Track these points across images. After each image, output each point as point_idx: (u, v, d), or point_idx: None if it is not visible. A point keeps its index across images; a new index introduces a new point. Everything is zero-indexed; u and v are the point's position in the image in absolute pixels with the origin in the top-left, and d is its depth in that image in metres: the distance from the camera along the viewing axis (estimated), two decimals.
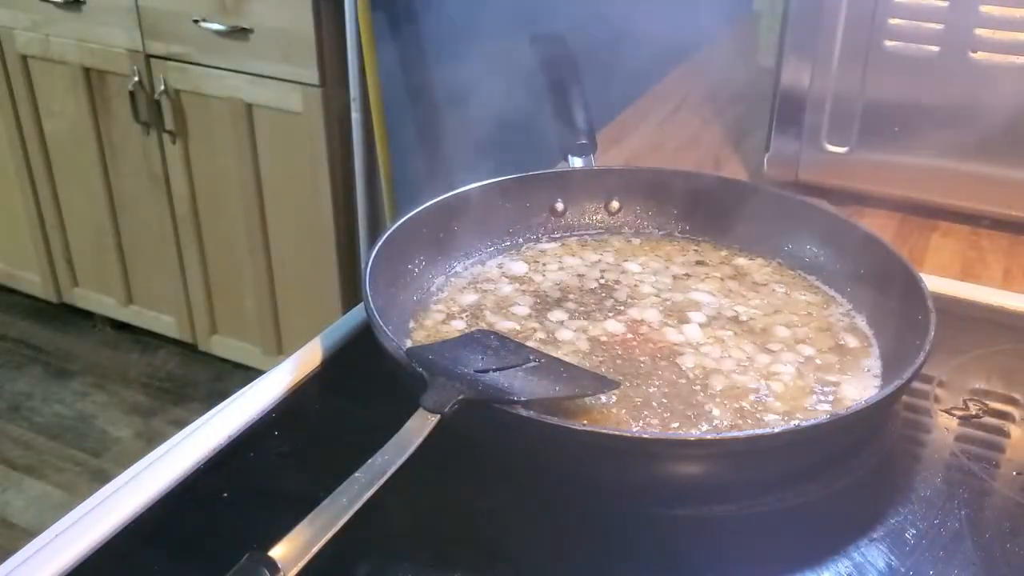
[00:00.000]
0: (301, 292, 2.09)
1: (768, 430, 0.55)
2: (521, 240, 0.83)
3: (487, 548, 0.56)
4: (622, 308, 0.74)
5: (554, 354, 0.66)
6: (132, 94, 2.01)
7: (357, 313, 0.74)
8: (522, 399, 0.55)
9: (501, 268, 0.79)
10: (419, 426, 0.52)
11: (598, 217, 0.86)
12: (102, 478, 2.01)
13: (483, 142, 1.04)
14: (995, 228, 0.94)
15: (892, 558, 0.55)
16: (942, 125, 0.90)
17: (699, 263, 0.81)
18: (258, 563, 0.44)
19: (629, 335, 0.71)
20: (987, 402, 0.69)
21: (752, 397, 0.64)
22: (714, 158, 1.09)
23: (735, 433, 0.58)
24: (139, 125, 2.05)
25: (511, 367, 0.60)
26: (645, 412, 0.62)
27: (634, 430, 0.60)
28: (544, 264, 0.80)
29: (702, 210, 0.84)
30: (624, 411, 0.62)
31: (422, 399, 0.53)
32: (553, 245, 0.83)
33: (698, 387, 0.65)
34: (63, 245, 2.38)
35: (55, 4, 2.02)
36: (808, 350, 0.70)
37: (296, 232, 2.01)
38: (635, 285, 0.77)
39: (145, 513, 0.57)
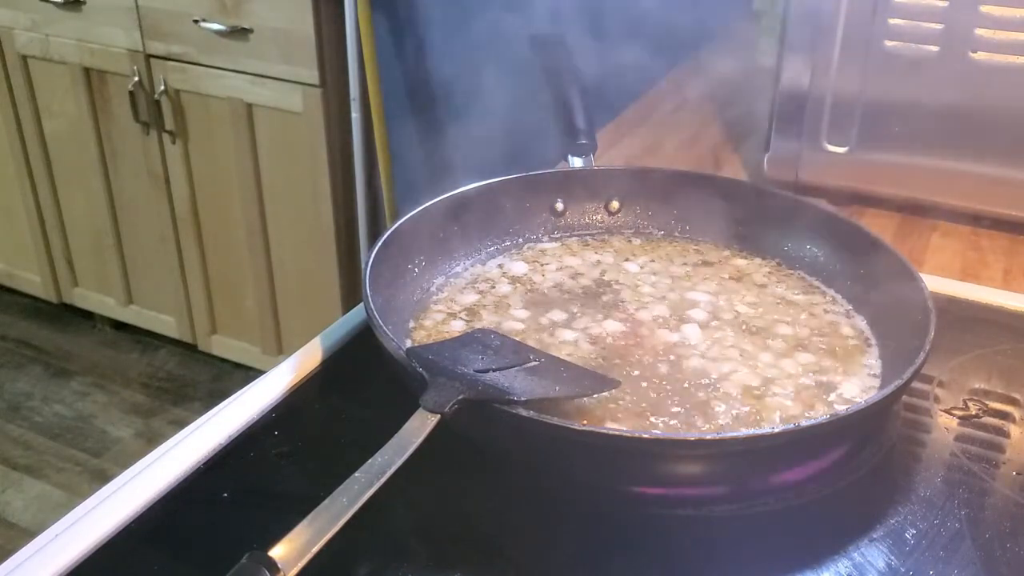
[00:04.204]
0: (301, 292, 2.09)
1: (768, 430, 0.55)
2: (521, 240, 0.83)
3: (486, 548, 0.56)
4: (622, 308, 0.74)
5: (554, 354, 0.66)
6: (132, 94, 2.01)
7: (357, 313, 0.74)
8: (522, 399, 0.55)
9: (501, 268, 0.79)
10: (419, 426, 0.52)
11: (598, 217, 0.86)
12: (102, 478, 2.01)
13: (483, 142, 1.04)
14: (995, 228, 0.94)
15: (892, 558, 0.55)
16: (942, 125, 0.90)
17: (699, 263, 0.81)
18: (258, 563, 0.44)
19: (629, 335, 0.71)
20: (987, 402, 0.69)
21: (752, 397, 0.64)
22: (714, 158, 1.09)
23: (735, 433, 0.58)
24: (139, 125, 2.05)
25: (511, 367, 0.60)
26: (645, 412, 0.62)
27: (634, 430, 0.60)
28: (544, 264, 0.80)
29: (702, 210, 0.84)
30: (624, 411, 0.62)
31: (422, 399, 0.53)
32: (553, 245, 0.83)
33: (698, 387, 0.65)
34: (63, 245, 2.38)
35: (55, 4, 2.02)
36: (808, 350, 0.69)
37: (296, 232, 2.01)
38: (635, 285, 0.77)
39: (145, 513, 0.57)
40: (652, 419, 0.62)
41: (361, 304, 0.67)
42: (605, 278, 0.78)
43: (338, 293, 2.03)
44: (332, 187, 1.91)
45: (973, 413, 0.67)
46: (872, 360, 0.69)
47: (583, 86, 0.89)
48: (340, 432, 0.64)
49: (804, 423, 0.56)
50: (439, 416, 0.52)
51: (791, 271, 0.80)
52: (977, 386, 0.70)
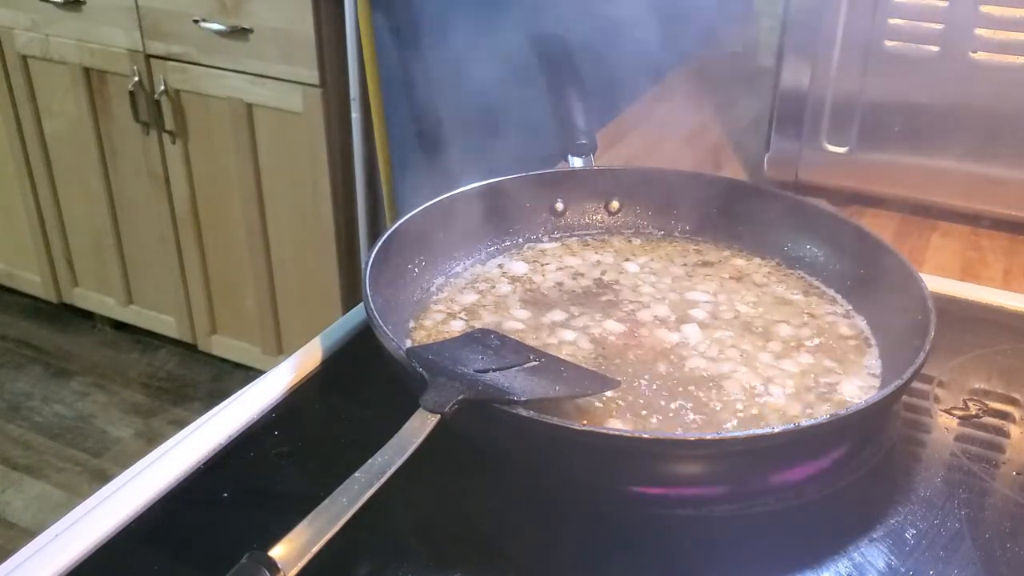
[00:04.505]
0: (301, 292, 2.09)
1: (768, 430, 0.55)
2: (521, 240, 0.83)
3: (486, 548, 0.56)
4: (622, 308, 0.74)
5: (554, 354, 0.66)
6: (132, 94, 2.01)
7: (357, 313, 0.74)
8: (522, 399, 0.55)
9: (501, 268, 0.79)
10: (419, 426, 0.52)
11: (598, 217, 0.86)
12: (102, 478, 2.01)
13: (483, 142, 1.04)
14: (995, 228, 0.94)
15: (892, 558, 0.55)
16: (942, 125, 0.90)
17: (699, 263, 0.81)
18: (258, 563, 0.44)
19: (629, 335, 0.71)
20: (987, 402, 0.69)
21: (752, 397, 0.64)
22: (714, 158, 1.09)
23: (735, 433, 0.58)
24: (139, 125, 2.05)
25: (511, 367, 0.60)
26: (645, 412, 0.62)
27: (634, 430, 0.60)
28: (544, 264, 0.80)
29: (702, 210, 0.84)
30: (624, 411, 0.62)
31: (422, 399, 0.53)
32: (553, 245, 0.83)
33: (698, 387, 0.65)
34: (63, 245, 2.38)
35: (55, 4, 2.02)
36: (808, 350, 0.69)
37: (296, 232, 2.01)
38: (635, 285, 0.77)
39: (145, 513, 0.57)
40: (652, 419, 0.62)
41: (361, 304, 0.67)
42: (605, 278, 0.78)
43: (338, 293, 2.03)
44: (332, 187, 1.91)
45: (973, 413, 0.67)
46: (872, 360, 0.69)
47: (583, 86, 0.89)
48: (340, 432, 0.64)
49: (804, 423, 0.56)
50: (439, 416, 0.52)
51: (791, 271, 0.80)
52: (977, 386, 0.70)
